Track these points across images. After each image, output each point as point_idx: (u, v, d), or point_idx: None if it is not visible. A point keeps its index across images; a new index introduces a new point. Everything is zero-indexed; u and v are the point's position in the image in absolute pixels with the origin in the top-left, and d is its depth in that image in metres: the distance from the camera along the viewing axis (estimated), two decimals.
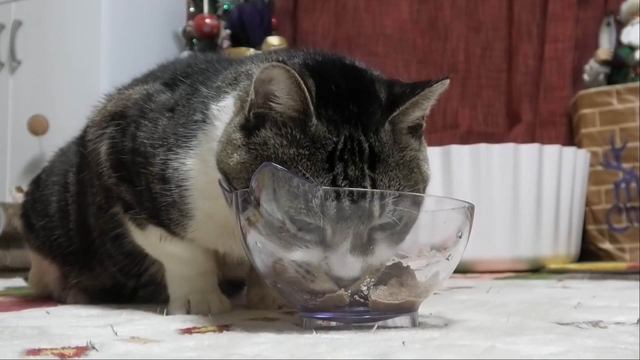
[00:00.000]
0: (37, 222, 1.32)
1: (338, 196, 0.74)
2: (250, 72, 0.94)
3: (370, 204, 0.74)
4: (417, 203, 0.80)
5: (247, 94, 0.84)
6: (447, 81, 0.80)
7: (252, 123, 0.81)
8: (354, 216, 0.74)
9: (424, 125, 0.86)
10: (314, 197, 0.73)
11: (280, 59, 0.79)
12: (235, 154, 0.81)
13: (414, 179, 0.80)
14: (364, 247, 0.75)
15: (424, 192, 0.83)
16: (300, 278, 0.76)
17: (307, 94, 0.76)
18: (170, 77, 1.07)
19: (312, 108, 0.77)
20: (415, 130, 0.83)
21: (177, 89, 1.03)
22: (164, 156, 0.96)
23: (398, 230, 0.78)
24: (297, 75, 0.75)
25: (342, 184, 0.75)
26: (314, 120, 0.77)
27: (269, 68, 0.76)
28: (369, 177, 0.76)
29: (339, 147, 0.76)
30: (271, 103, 0.79)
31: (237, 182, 0.80)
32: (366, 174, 0.76)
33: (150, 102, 1.03)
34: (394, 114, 0.80)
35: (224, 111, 0.90)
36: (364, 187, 0.75)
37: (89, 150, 1.11)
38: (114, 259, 1.18)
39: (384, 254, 0.78)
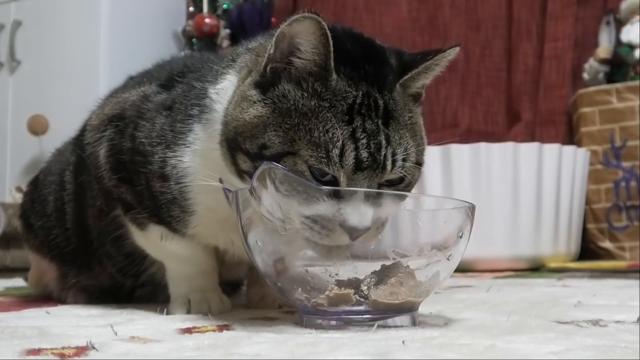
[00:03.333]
0: (36, 222, 1.31)
1: (357, 147, 0.77)
2: (248, 47, 0.96)
3: (384, 157, 0.78)
4: (420, 163, 0.84)
5: (259, 55, 0.87)
6: (458, 49, 0.85)
7: (268, 79, 0.83)
8: (369, 168, 0.77)
9: (424, 95, 0.90)
10: (334, 147, 0.76)
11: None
12: (251, 109, 0.82)
13: (417, 141, 0.84)
14: (374, 199, 0.78)
15: (422, 156, 0.87)
16: (315, 235, 0.77)
17: (331, 48, 0.78)
18: (166, 77, 1.08)
19: (332, 64, 0.79)
20: (416, 99, 0.88)
21: (174, 89, 1.03)
22: (163, 154, 0.96)
23: (401, 188, 0.82)
24: (326, 28, 0.77)
25: (361, 137, 0.78)
26: (334, 75, 0.80)
27: (298, 20, 0.77)
28: (383, 133, 0.79)
29: (358, 101, 0.79)
30: (292, 58, 0.80)
31: (249, 141, 0.81)
32: (381, 129, 0.79)
33: (147, 103, 1.04)
34: (407, 76, 0.84)
35: (222, 93, 0.91)
36: (379, 141, 0.79)
37: (87, 153, 1.11)
38: (113, 259, 1.17)
39: (389, 208, 0.81)
